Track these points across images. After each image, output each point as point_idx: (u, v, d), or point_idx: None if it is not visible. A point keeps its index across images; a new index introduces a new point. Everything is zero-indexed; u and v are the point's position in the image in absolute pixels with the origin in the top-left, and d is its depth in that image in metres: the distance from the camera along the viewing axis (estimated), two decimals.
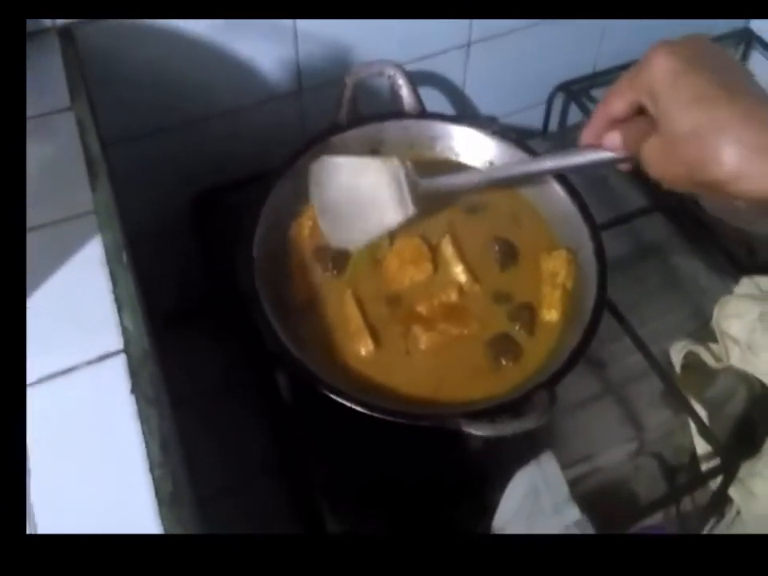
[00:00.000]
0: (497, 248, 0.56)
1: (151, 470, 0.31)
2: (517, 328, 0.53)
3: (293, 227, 0.57)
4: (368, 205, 0.54)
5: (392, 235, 0.56)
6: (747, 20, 0.93)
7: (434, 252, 0.56)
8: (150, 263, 0.68)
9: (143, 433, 0.32)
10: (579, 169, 0.50)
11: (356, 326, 0.51)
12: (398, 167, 0.53)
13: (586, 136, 0.46)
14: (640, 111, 0.42)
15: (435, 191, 0.55)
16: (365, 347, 0.50)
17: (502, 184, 0.58)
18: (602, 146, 0.45)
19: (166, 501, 0.31)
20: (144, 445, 0.32)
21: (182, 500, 0.31)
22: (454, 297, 0.53)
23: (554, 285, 0.55)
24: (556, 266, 0.55)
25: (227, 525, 0.54)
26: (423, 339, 0.51)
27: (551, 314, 0.53)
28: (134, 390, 0.34)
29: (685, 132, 0.37)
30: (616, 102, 0.42)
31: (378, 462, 0.54)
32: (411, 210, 0.53)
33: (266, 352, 0.52)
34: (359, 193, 0.54)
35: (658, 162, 0.39)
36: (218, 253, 0.62)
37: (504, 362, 0.51)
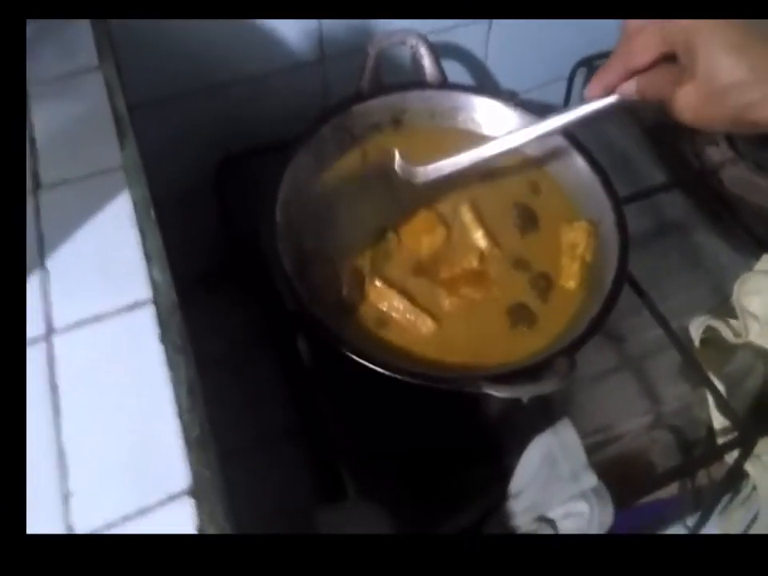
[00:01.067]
0: (516, 213, 0.56)
1: (180, 414, 0.32)
2: (534, 296, 0.53)
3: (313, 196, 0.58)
4: None
5: (395, 225, 0.56)
6: None
7: (452, 218, 0.56)
8: (174, 227, 0.68)
9: (172, 379, 0.33)
10: (581, 122, 0.50)
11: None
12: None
13: (596, 88, 0.46)
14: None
15: (435, 178, 0.55)
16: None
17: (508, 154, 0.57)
18: (616, 95, 0.45)
19: (194, 444, 0.31)
20: (173, 390, 0.32)
21: (208, 444, 0.32)
22: (475, 263, 0.53)
23: (573, 256, 0.55)
24: (576, 238, 0.55)
25: (245, 485, 0.54)
26: (446, 303, 0.51)
27: (569, 284, 0.53)
28: (163, 338, 0.34)
29: (728, 79, 0.38)
30: (642, 54, 0.42)
31: (397, 426, 0.55)
32: None
33: (287, 314, 0.52)
34: None
35: (698, 108, 0.40)
36: (241, 218, 0.62)
37: (522, 329, 0.51)
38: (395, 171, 0.56)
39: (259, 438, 0.57)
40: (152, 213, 0.40)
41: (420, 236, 0.54)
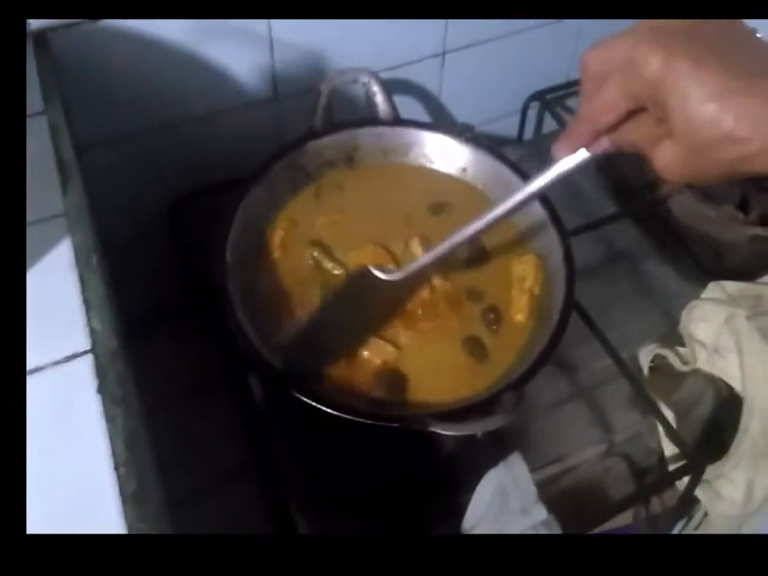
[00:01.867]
0: (466, 247, 0.57)
1: (116, 468, 0.32)
2: (485, 329, 0.54)
3: (266, 233, 0.58)
4: None
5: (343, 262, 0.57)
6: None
7: (402, 253, 0.57)
8: (126, 266, 0.68)
9: (109, 431, 0.33)
10: (556, 181, 0.43)
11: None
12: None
13: (564, 149, 0.40)
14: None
15: (415, 273, 0.52)
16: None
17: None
18: (588, 152, 0.40)
19: (129, 499, 0.31)
20: (109, 443, 0.32)
21: (147, 499, 0.32)
22: (426, 294, 0.54)
23: (522, 290, 0.56)
24: (525, 271, 0.57)
25: (200, 527, 0.54)
26: (402, 338, 0.52)
27: (518, 317, 0.54)
28: (101, 389, 0.34)
29: (713, 133, 0.32)
30: (607, 113, 0.36)
31: (350, 464, 0.55)
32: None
33: (239, 353, 0.52)
34: None
35: (682, 166, 0.35)
36: (193, 256, 0.62)
37: (474, 362, 0.52)
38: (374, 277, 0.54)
39: (212, 478, 0.56)
40: (93, 259, 0.40)
41: None
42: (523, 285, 0.55)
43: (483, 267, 0.58)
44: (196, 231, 0.62)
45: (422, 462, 0.54)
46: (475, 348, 0.53)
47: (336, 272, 0.56)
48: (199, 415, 0.59)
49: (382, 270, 0.53)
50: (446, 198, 0.62)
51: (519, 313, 0.54)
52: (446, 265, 0.56)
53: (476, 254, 0.58)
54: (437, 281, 0.55)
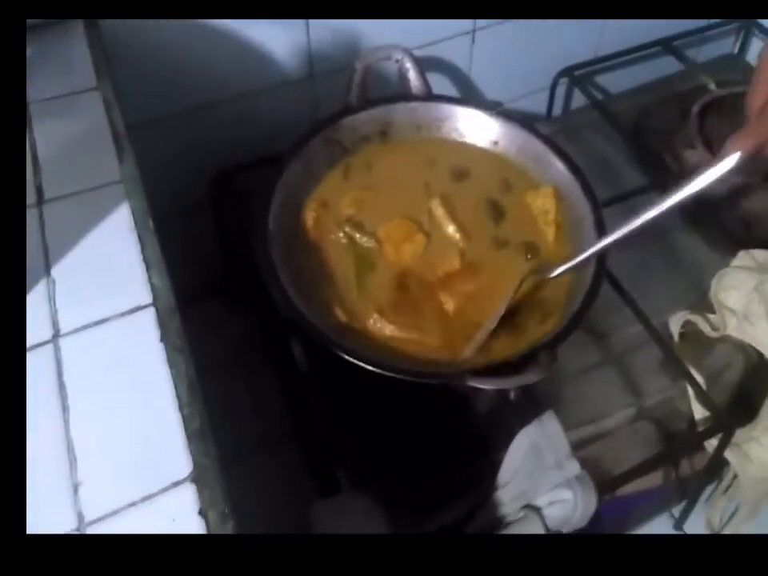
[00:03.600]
0: (489, 207, 0.59)
1: (180, 408, 0.34)
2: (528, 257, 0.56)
3: (303, 209, 0.60)
4: None
5: (375, 233, 0.58)
6: None
7: (428, 223, 0.58)
8: (172, 241, 0.71)
9: (172, 376, 0.35)
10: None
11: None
12: None
13: (742, 144, 0.41)
14: None
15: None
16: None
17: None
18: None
19: (194, 436, 0.33)
20: (173, 387, 0.35)
21: (207, 435, 0.34)
22: (456, 263, 0.55)
23: (548, 222, 0.58)
24: (545, 204, 0.59)
25: (245, 486, 0.56)
26: (450, 305, 0.53)
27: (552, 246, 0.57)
28: (163, 338, 0.37)
29: None
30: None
31: (388, 424, 0.57)
32: None
33: (281, 320, 0.54)
34: None
35: None
36: (235, 230, 0.64)
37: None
38: None
39: (258, 441, 0.59)
40: (150, 222, 0.43)
41: (401, 246, 0.56)
42: (548, 217, 0.58)
43: (503, 222, 0.59)
44: (235, 207, 0.65)
45: (459, 423, 0.56)
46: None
47: (368, 245, 0.57)
48: (244, 382, 0.62)
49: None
50: (469, 166, 0.64)
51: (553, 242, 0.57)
52: (468, 224, 0.58)
53: (496, 213, 0.60)
54: (460, 241, 0.57)
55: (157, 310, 0.38)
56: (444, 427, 0.57)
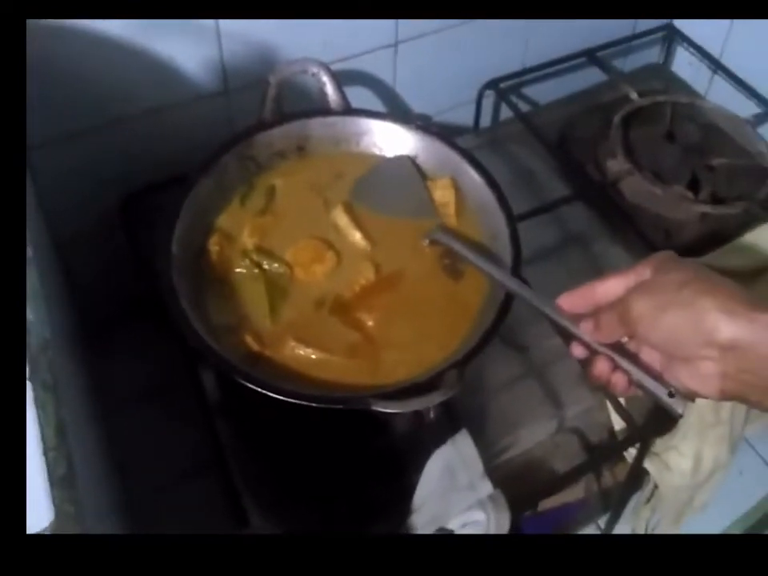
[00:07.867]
0: None
1: (45, 453, 0.32)
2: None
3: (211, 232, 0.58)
4: None
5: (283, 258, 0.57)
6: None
7: (336, 239, 0.58)
8: (81, 264, 0.69)
9: (38, 417, 0.33)
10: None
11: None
12: None
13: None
14: None
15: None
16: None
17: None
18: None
19: (57, 482, 0.31)
20: (39, 429, 0.33)
21: (76, 482, 0.32)
22: (371, 275, 0.55)
23: (448, 215, 0.58)
24: (444, 196, 0.59)
25: (159, 523, 0.54)
26: (369, 320, 0.53)
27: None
28: (32, 377, 0.34)
29: None
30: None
31: (304, 451, 0.55)
32: None
33: (190, 349, 0.52)
34: None
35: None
36: (147, 253, 0.62)
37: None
38: None
39: (172, 476, 0.57)
40: (29, 251, 0.40)
41: (311, 267, 0.55)
42: (447, 210, 0.59)
43: None
44: (149, 228, 0.63)
45: (376, 446, 0.55)
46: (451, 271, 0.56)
47: (279, 271, 0.55)
48: (159, 415, 0.60)
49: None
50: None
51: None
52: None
53: None
54: (365, 248, 0.57)
55: (27, 345, 0.36)
56: (361, 452, 0.55)
